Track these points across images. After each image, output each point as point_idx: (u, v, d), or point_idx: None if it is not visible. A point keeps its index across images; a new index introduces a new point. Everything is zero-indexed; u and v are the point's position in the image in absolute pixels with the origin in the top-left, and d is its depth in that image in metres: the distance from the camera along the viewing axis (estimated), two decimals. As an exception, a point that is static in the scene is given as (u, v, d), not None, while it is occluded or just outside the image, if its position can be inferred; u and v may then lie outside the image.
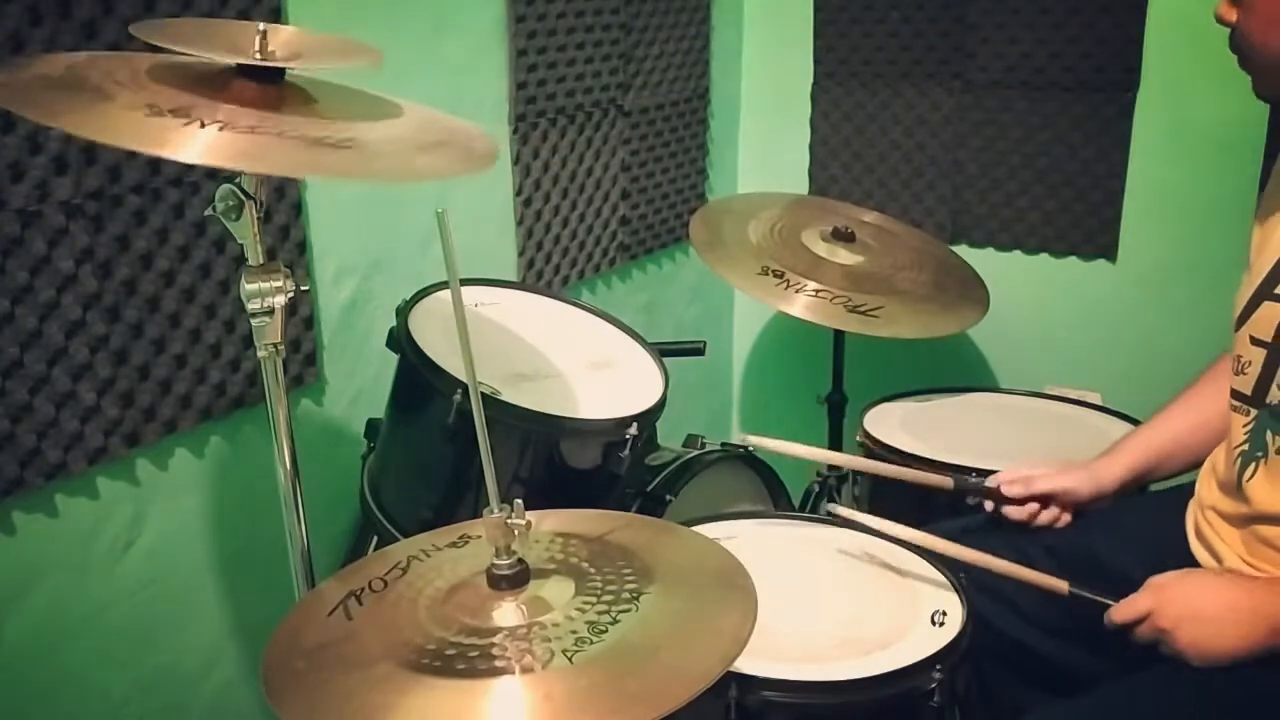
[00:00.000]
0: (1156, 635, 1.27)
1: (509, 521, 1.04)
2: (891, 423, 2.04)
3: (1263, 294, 1.33)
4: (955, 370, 2.52)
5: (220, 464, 1.72)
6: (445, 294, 1.69)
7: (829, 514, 1.57)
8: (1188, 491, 1.49)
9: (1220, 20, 1.32)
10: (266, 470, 1.28)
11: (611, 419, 1.62)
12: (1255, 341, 1.32)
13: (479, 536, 1.15)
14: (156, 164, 1.53)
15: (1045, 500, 1.55)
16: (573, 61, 2.20)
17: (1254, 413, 1.33)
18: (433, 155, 1.19)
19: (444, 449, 1.59)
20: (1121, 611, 1.31)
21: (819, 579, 1.48)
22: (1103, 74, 2.33)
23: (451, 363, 1.55)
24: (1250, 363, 1.33)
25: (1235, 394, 1.37)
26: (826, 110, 2.67)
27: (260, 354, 1.20)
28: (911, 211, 2.59)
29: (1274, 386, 1.29)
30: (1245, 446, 1.34)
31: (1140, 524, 1.51)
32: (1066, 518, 1.55)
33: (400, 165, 1.18)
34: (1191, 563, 1.41)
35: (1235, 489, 1.35)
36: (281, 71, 1.17)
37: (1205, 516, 1.42)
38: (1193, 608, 1.26)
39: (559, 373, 1.73)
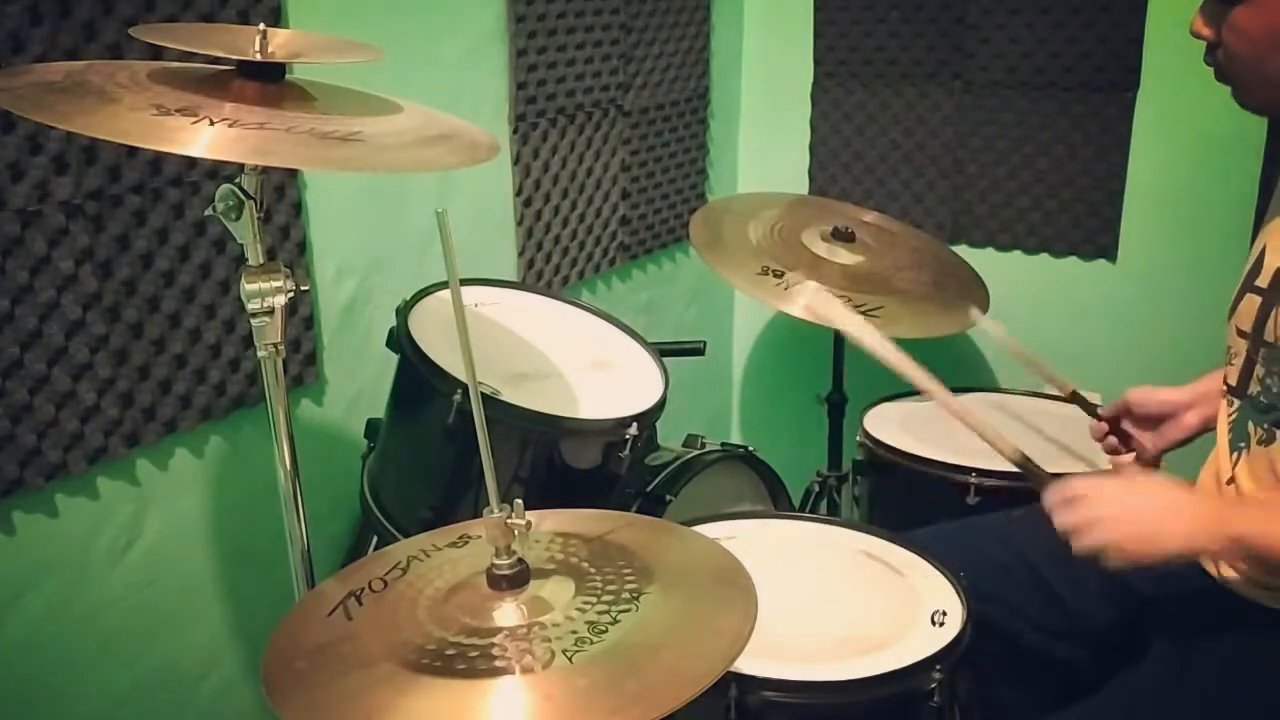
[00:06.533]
0: (1081, 523, 1.21)
1: (509, 521, 1.04)
2: (891, 423, 2.04)
3: (1246, 286, 1.33)
4: (955, 370, 2.52)
5: (220, 464, 1.72)
6: (445, 294, 1.69)
7: None
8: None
9: (1196, 35, 1.30)
10: (266, 470, 1.28)
11: (611, 419, 1.62)
12: (1239, 333, 1.33)
13: (479, 536, 1.15)
14: (156, 164, 1.53)
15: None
16: (573, 61, 2.20)
17: (1237, 403, 1.34)
18: (438, 147, 1.20)
19: (444, 449, 1.59)
20: (1060, 488, 1.25)
21: (819, 579, 1.48)
22: (1103, 74, 2.33)
23: (451, 363, 1.55)
24: (1237, 354, 1.34)
25: (1225, 383, 1.38)
26: (826, 110, 2.67)
27: (260, 354, 1.20)
28: (911, 211, 2.59)
29: (1253, 379, 1.30)
30: (1230, 435, 1.35)
31: None
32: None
33: (407, 157, 1.19)
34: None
35: (1228, 478, 1.35)
36: (282, 72, 1.17)
37: None
38: (1132, 500, 1.22)
39: (559, 373, 1.72)
